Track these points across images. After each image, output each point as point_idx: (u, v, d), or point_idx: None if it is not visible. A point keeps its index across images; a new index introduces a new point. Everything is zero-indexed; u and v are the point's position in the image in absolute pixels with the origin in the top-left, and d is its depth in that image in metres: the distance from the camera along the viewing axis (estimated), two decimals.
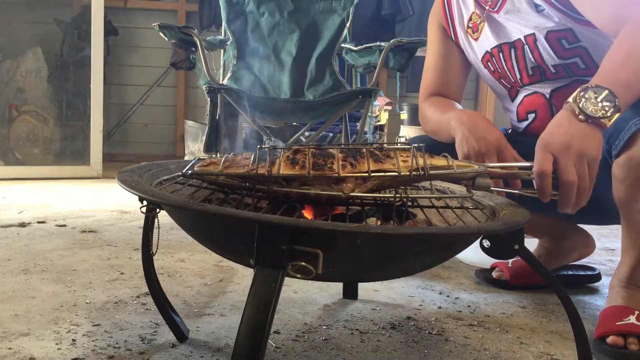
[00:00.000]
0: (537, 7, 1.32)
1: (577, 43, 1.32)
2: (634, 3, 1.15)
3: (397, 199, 1.01)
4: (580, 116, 0.99)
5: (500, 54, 1.43)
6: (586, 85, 1.01)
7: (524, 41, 1.37)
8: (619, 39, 1.10)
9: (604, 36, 1.28)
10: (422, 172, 0.91)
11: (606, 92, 1.00)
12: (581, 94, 1.00)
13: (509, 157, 1.20)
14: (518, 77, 1.43)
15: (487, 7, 1.41)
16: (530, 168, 1.00)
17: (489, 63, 1.47)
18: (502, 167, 1.04)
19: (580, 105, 1.00)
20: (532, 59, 1.37)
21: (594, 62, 1.32)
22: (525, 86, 1.43)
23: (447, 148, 1.28)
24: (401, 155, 0.93)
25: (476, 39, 1.48)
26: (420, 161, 0.91)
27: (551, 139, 0.98)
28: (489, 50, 1.45)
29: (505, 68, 1.44)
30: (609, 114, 0.99)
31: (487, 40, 1.45)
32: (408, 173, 0.90)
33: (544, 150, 0.97)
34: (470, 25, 1.48)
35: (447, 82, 1.56)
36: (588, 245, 1.64)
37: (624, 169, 1.15)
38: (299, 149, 0.92)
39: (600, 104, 0.99)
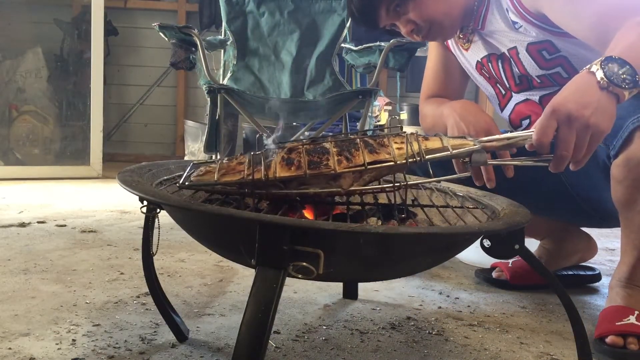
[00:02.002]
0: (514, 24, 1.34)
1: (557, 53, 1.33)
2: (618, 12, 1.14)
3: (397, 188, 0.99)
4: (602, 81, 0.97)
5: (490, 64, 1.46)
6: (609, 55, 0.99)
7: (508, 54, 1.40)
8: (621, 33, 1.08)
9: (583, 45, 1.29)
10: (418, 158, 0.90)
11: (628, 66, 0.98)
12: (605, 62, 0.98)
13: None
14: (507, 85, 1.46)
15: (471, 25, 1.44)
16: (525, 138, 0.98)
17: (483, 71, 1.50)
18: (497, 140, 1.00)
19: (605, 71, 0.97)
20: (517, 71, 1.40)
21: (576, 70, 1.32)
22: (516, 93, 1.44)
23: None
24: (395, 142, 0.92)
25: (467, 49, 1.50)
26: (415, 146, 0.91)
27: (562, 104, 0.96)
28: (480, 60, 1.48)
29: (495, 76, 1.47)
30: (627, 83, 0.97)
31: (477, 50, 1.47)
32: (404, 161, 0.90)
33: (550, 117, 0.95)
34: (460, 36, 1.50)
35: (446, 85, 1.59)
36: (590, 248, 1.64)
37: (623, 170, 1.15)
38: (293, 147, 0.92)
39: (622, 76, 0.98)
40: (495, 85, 1.49)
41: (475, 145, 0.96)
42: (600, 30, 1.16)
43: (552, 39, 1.31)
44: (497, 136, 1.01)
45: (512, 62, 1.39)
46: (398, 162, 0.89)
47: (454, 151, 0.94)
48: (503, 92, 1.48)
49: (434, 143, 0.94)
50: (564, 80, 1.34)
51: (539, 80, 1.38)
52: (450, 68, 1.58)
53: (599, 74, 0.98)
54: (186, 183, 0.92)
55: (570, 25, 1.23)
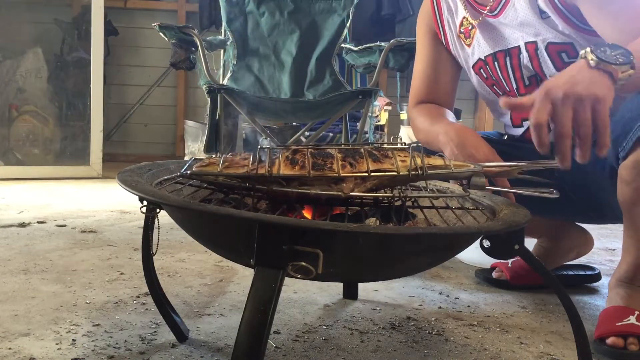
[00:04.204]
0: (541, 14, 1.29)
1: (577, 57, 1.30)
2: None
3: (397, 199, 1.01)
4: (591, 61, 0.97)
5: (496, 63, 1.41)
6: (602, 42, 1.01)
7: (523, 48, 1.35)
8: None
9: None
10: (420, 172, 0.91)
11: (623, 50, 0.98)
12: (597, 45, 0.99)
13: None
14: (514, 86, 1.41)
15: (484, 12, 1.38)
16: (526, 168, 1.00)
17: (481, 70, 1.45)
18: (498, 167, 1.04)
19: (597, 52, 0.97)
20: (531, 68, 1.35)
21: None
22: (522, 95, 1.41)
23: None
24: (399, 155, 0.93)
25: (469, 45, 1.45)
26: (419, 161, 0.92)
27: (553, 84, 0.95)
28: (483, 58, 1.43)
29: (501, 77, 1.42)
30: (621, 61, 0.97)
31: (479, 47, 1.42)
32: (407, 173, 0.91)
33: (543, 99, 0.94)
34: (462, 30, 1.45)
35: (436, 89, 1.53)
36: (586, 243, 1.64)
37: (632, 172, 1.14)
38: (298, 149, 0.93)
39: (615, 56, 0.97)
40: (491, 87, 1.46)
41: (476, 168, 0.99)
42: (624, 33, 1.15)
43: (576, 40, 1.27)
44: (497, 163, 1.04)
45: (527, 57, 1.34)
46: (401, 173, 0.91)
47: (456, 170, 0.96)
48: (501, 93, 1.44)
49: (437, 161, 0.97)
50: None
51: None
52: (441, 71, 1.53)
53: (589, 55, 0.98)
54: (188, 172, 0.92)
55: (595, 22, 1.21)
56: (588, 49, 0.99)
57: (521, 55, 1.35)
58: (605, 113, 0.93)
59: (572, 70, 0.98)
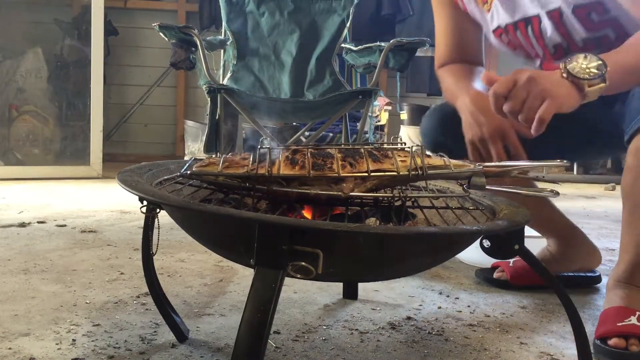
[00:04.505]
0: None
1: (607, 14, 1.25)
2: None
3: (397, 199, 1.01)
4: (563, 74, 1.04)
5: (517, 32, 1.37)
6: (584, 53, 1.05)
7: (544, 16, 1.31)
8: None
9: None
10: (420, 172, 0.91)
11: (599, 62, 1.04)
12: (573, 57, 1.05)
13: (513, 141, 1.20)
14: (540, 53, 1.37)
15: None
16: (525, 168, 1.00)
17: (502, 36, 1.41)
18: (498, 167, 1.04)
19: (567, 65, 1.04)
20: (557, 35, 1.31)
21: (626, 31, 1.25)
22: (549, 62, 1.38)
23: (442, 148, 1.27)
24: (399, 155, 0.93)
25: (488, 11, 1.40)
26: (419, 161, 0.92)
27: (528, 71, 1.03)
28: (503, 26, 1.39)
29: (524, 44, 1.38)
30: (590, 76, 1.03)
31: (498, 15, 1.38)
32: (407, 173, 0.91)
33: (510, 77, 1.03)
34: None
35: (461, 52, 1.49)
36: (594, 255, 1.61)
37: (634, 158, 1.16)
38: (298, 149, 0.93)
39: (587, 69, 1.03)
40: (514, 51, 1.42)
41: (476, 168, 0.99)
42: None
43: None
44: (498, 163, 1.07)
45: (551, 25, 1.30)
46: (401, 173, 0.91)
47: (455, 170, 0.96)
48: (524, 55, 1.42)
49: (437, 161, 0.97)
50: (612, 43, 1.25)
51: (581, 44, 1.30)
52: (461, 35, 1.48)
53: (562, 67, 1.05)
54: (188, 172, 0.92)
55: None
56: (562, 64, 1.06)
57: (542, 24, 1.32)
58: (548, 111, 1.02)
59: (549, 72, 1.06)
